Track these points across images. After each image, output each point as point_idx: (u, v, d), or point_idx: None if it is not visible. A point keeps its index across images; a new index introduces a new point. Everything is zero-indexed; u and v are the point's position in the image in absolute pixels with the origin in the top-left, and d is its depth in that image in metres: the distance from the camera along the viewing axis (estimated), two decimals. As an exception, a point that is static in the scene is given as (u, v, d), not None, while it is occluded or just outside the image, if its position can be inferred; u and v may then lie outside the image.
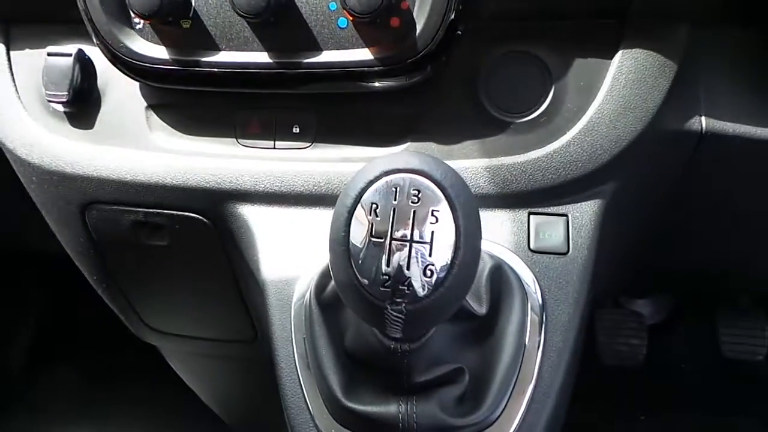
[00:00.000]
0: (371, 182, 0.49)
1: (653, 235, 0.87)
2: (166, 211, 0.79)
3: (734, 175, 0.78)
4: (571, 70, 0.71)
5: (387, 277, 0.48)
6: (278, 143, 0.77)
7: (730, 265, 0.99)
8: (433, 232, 0.48)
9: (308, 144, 0.77)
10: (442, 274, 0.48)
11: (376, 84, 0.71)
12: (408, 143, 0.75)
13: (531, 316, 0.65)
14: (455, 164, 0.72)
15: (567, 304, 0.67)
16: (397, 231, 0.48)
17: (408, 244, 0.48)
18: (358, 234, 0.49)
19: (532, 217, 0.71)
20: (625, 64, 0.69)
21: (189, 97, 0.78)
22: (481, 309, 0.64)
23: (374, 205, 0.49)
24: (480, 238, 0.50)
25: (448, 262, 0.48)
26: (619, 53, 0.69)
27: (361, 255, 0.49)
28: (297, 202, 0.75)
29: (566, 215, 0.71)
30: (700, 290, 1.21)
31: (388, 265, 0.48)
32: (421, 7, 0.66)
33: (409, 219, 0.48)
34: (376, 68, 0.69)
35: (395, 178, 0.49)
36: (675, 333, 1.51)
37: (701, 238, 0.91)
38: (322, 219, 0.74)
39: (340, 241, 0.50)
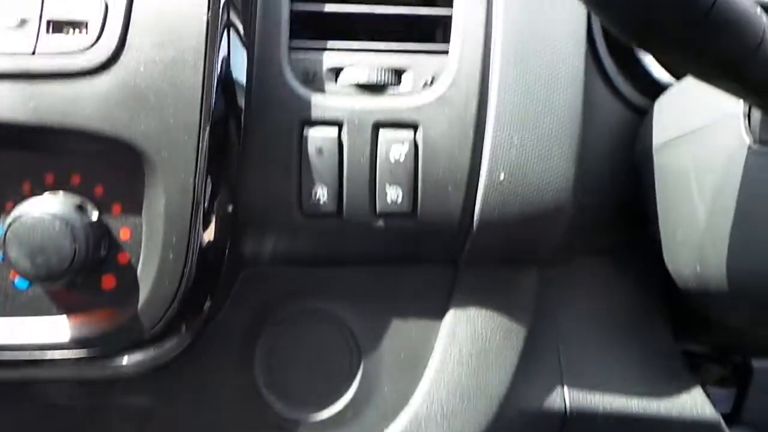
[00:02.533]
0: None
1: None
2: None
3: None
4: (386, 337, 0.49)
5: None
6: None
7: None
8: None
9: None
10: None
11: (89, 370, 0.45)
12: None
13: None
14: None
15: None
16: None
17: None
18: None
19: None
20: (459, 328, 0.49)
21: None
22: None
23: None
24: None
25: None
26: (450, 313, 0.49)
27: None
28: None
29: None
30: None
31: None
32: (148, 261, 0.43)
33: None
34: (76, 352, 0.43)
35: None
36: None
37: None
38: None
39: None
